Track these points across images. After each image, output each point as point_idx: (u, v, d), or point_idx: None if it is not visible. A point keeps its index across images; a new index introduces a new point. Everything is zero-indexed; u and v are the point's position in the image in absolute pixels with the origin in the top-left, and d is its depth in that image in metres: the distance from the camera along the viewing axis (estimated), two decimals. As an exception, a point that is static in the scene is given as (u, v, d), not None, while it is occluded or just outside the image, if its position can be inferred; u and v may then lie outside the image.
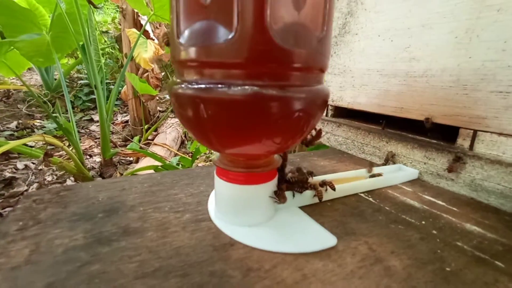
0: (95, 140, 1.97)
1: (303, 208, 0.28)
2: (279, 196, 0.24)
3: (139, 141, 1.84)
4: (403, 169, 0.39)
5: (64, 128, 1.35)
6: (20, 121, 2.16)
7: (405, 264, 0.20)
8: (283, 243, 0.21)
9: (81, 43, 1.24)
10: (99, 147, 1.76)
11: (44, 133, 1.98)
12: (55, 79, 2.48)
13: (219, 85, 0.17)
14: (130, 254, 0.19)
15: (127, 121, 2.30)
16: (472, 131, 0.35)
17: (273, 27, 0.15)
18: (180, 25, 0.17)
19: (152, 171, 0.99)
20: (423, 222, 0.26)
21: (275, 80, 0.17)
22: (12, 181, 1.35)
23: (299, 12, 0.16)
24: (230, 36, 0.15)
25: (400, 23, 0.42)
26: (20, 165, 1.53)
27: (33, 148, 1.52)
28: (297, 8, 0.15)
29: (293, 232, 0.23)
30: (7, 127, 2.09)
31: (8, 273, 0.17)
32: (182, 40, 0.17)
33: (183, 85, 0.18)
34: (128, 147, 1.71)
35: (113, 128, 2.18)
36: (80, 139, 1.95)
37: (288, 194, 0.26)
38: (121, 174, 1.38)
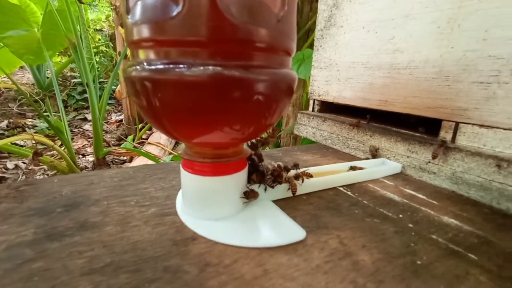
0: (89, 139, 1.95)
1: (277, 201, 0.27)
2: (248, 195, 0.23)
3: (133, 140, 1.82)
4: (387, 163, 0.38)
5: (55, 127, 1.33)
6: (10, 120, 2.12)
7: (375, 258, 0.19)
8: (248, 237, 0.20)
9: (72, 40, 1.22)
10: (92, 146, 1.73)
11: (36, 132, 1.94)
12: (48, 78, 2.44)
13: (172, 65, 0.16)
14: (81, 249, 0.18)
15: (121, 120, 2.28)
16: (454, 123, 0.34)
17: (223, 0, 0.14)
18: (128, 1, 0.15)
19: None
20: (401, 216, 0.25)
21: (234, 59, 0.16)
22: (2, 181, 1.32)
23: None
24: (176, 11, 0.14)
25: (384, 14, 0.41)
26: (10, 164, 1.50)
27: (24, 148, 1.49)
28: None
29: (260, 226, 0.21)
30: None
31: None
32: (130, 18, 0.15)
33: (137, 67, 0.17)
34: (122, 146, 1.69)
35: (107, 127, 2.15)
36: (73, 138, 1.92)
37: (260, 189, 0.25)
38: None
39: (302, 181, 0.28)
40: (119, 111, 2.49)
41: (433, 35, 0.35)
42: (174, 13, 0.14)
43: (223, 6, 0.14)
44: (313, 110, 0.58)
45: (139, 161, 1.34)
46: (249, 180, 0.24)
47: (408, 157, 0.37)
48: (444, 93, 0.35)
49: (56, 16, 1.16)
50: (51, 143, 1.27)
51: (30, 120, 2.15)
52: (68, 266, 0.16)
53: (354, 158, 0.43)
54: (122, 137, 2.04)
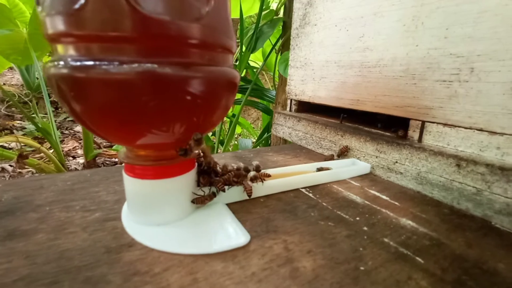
0: (79, 141, 1.91)
1: (233, 204, 0.26)
2: (197, 200, 0.22)
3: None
4: (356, 163, 0.38)
5: (42, 129, 1.30)
6: (-3, 122, 2.07)
7: (317, 265, 0.18)
8: (186, 244, 0.19)
9: None
10: (83, 148, 1.70)
11: (25, 134, 1.90)
12: (37, 79, 2.39)
13: (95, 62, 0.15)
14: (-1, 260, 0.16)
15: None
16: (420, 122, 0.33)
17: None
18: (37, -5, 0.14)
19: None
20: (358, 218, 0.25)
21: (169, 55, 0.15)
22: None
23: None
24: (79, 3, 0.13)
25: (354, 11, 0.40)
26: None
27: (12, 150, 1.46)
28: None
29: (203, 231, 0.21)
30: None
31: None
32: (40, 8, 0.14)
33: (57, 64, 0.15)
34: (113, 147, 1.66)
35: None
36: (63, 140, 1.88)
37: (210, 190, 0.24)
38: None
39: (262, 182, 0.27)
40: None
41: (399, 33, 0.35)
42: (77, 6, 0.13)
43: (130, -2, 0.13)
44: (290, 110, 0.57)
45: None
46: (198, 183, 0.23)
47: (376, 157, 0.36)
48: (411, 91, 0.34)
49: None
50: (37, 145, 1.23)
51: (18, 122, 2.11)
52: (-23, 280, 0.15)
53: (325, 158, 0.42)
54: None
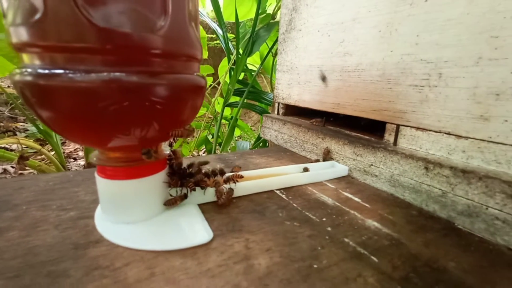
0: None
1: (206, 204, 0.27)
2: (168, 202, 0.23)
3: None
4: (335, 166, 0.39)
5: (43, 130, 1.32)
6: (1, 124, 2.11)
7: (273, 262, 0.19)
8: (149, 241, 0.20)
9: None
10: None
11: (27, 136, 1.93)
12: None
13: (56, 70, 0.16)
14: (-30, 254, 0.18)
15: None
16: (395, 125, 0.34)
17: (85, 6, 0.14)
18: (1, 2, 0.16)
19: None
20: (324, 219, 0.25)
21: (132, 64, 0.17)
22: None
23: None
24: (39, 15, 0.14)
25: (335, 17, 0.41)
26: None
27: (13, 152, 1.48)
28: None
29: (169, 229, 0.21)
30: None
31: None
32: (6, 19, 0.16)
33: (24, 70, 0.17)
34: None
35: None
36: (65, 142, 1.90)
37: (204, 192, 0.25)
38: None
39: (235, 183, 0.28)
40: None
41: (376, 38, 0.35)
42: (37, 17, 0.14)
43: (83, 9, 0.14)
44: (278, 113, 0.58)
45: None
46: (169, 184, 0.24)
47: (354, 160, 0.37)
48: (387, 95, 0.35)
49: None
50: (38, 147, 1.25)
51: (21, 124, 2.14)
52: None
53: (309, 161, 0.43)
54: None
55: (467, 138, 0.27)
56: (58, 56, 0.16)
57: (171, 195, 0.25)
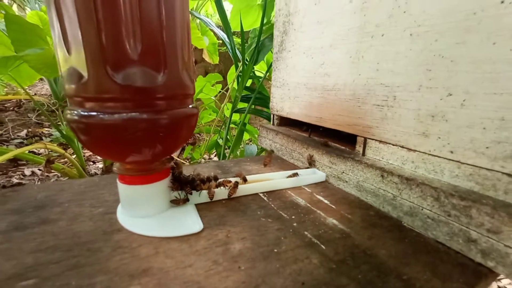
0: None
1: (202, 204, 0.34)
2: (174, 202, 0.31)
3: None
4: (316, 173, 0.45)
5: (66, 136, 1.45)
6: (29, 130, 2.28)
7: (244, 247, 0.26)
8: (157, 230, 0.27)
9: None
10: None
11: (51, 140, 2.09)
12: None
13: (92, 112, 0.23)
14: (35, 237, 0.26)
15: None
16: (363, 138, 0.40)
17: (113, 70, 0.21)
18: (60, 69, 0.23)
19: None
20: (293, 217, 0.32)
21: (143, 106, 0.24)
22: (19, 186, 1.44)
23: (136, 61, 0.22)
24: (85, 75, 0.22)
25: (317, 42, 0.48)
26: (27, 171, 1.63)
27: (40, 156, 1.63)
28: (131, 58, 0.22)
29: (171, 222, 0.29)
30: (18, 135, 2.20)
31: None
32: (62, 80, 0.24)
33: (69, 112, 0.24)
34: None
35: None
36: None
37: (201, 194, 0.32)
38: None
39: (225, 187, 0.35)
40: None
41: (348, 63, 0.41)
42: (84, 79, 0.22)
43: (114, 72, 0.21)
44: (273, 124, 0.65)
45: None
46: (172, 188, 0.32)
47: (330, 167, 0.43)
48: (357, 112, 0.41)
49: None
50: (62, 151, 1.38)
51: (47, 129, 2.32)
52: (23, 248, 0.24)
53: (296, 168, 0.50)
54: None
55: (414, 151, 0.33)
56: (93, 103, 0.24)
57: (175, 197, 0.32)
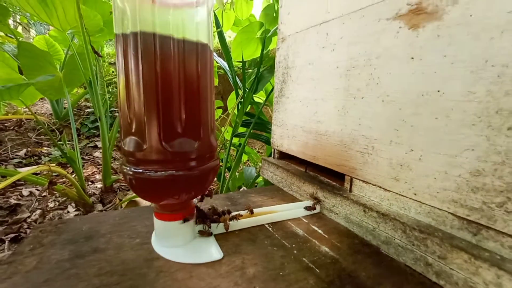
0: (98, 167, 2.10)
1: (218, 235, 0.41)
2: (203, 233, 0.39)
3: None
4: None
5: (69, 156, 1.49)
6: (28, 149, 2.32)
7: (257, 271, 0.33)
8: (187, 257, 0.35)
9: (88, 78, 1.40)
10: (101, 174, 1.88)
11: (50, 160, 2.13)
12: (64, 108, 2.67)
13: (145, 170, 0.32)
14: (94, 263, 0.33)
15: None
16: (350, 177, 0.49)
17: (165, 143, 0.30)
18: (122, 136, 0.32)
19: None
20: (293, 245, 0.40)
21: (180, 166, 0.32)
22: (17, 208, 1.46)
23: (181, 134, 0.31)
24: (145, 147, 0.30)
25: (310, 94, 0.58)
26: (25, 192, 1.66)
27: (39, 176, 1.66)
28: (178, 131, 0.31)
29: (197, 251, 0.36)
30: (16, 155, 2.23)
31: (23, 274, 0.31)
32: (123, 145, 0.32)
33: (126, 168, 0.33)
34: None
35: (115, 154, 2.33)
36: (83, 166, 2.09)
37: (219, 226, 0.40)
38: (120, 200, 1.49)
39: (237, 220, 0.43)
40: (127, 139, 2.63)
41: (336, 115, 0.51)
42: (143, 148, 0.30)
43: (165, 145, 0.30)
44: (273, 157, 0.73)
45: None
46: (196, 222, 0.40)
47: (323, 201, 0.51)
48: (344, 156, 0.50)
49: (77, 59, 1.35)
50: (64, 172, 1.43)
51: (46, 148, 2.35)
52: (88, 272, 0.31)
53: (295, 199, 0.58)
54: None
55: (389, 191, 0.41)
56: (146, 163, 0.32)
57: (202, 230, 0.40)
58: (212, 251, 0.36)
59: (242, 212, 0.45)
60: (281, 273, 0.33)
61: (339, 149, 0.51)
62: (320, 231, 0.45)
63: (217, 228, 0.41)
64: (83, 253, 0.35)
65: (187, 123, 0.31)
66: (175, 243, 0.37)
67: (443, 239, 0.32)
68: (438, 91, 0.34)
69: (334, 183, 0.54)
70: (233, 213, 0.44)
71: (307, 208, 0.50)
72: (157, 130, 0.30)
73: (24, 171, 1.20)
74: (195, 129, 0.32)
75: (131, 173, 0.32)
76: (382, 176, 0.42)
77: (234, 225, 0.43)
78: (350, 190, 0.49)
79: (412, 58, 0.37)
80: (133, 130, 0.31)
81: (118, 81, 0.32)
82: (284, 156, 0.72)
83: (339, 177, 0.56)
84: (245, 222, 0.44)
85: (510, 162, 0.28)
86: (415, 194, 0.38)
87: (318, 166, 0.65)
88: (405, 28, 0.38)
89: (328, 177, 0.57)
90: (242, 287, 0.30)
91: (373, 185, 0.44)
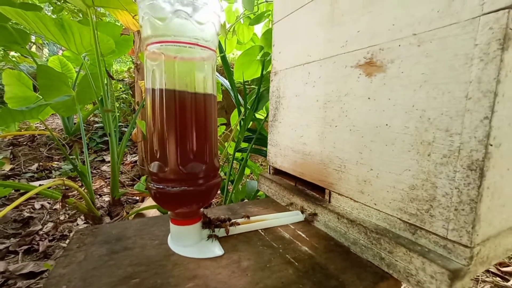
0: (106, 180, 2.21)
1: (222, 237, 0.51)
2: (211, 237, 0.49)
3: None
4: (298, 214, 0.63)
5: (80, 171, 1.58)
6: (40, 163, 2.44)
7: (250, 264, 0.43)
8: (196, 254, 0.45)
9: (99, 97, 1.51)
10: (109, 187, 1.98)
11: (60, 174, 2.24)
12: (74, 123, 2.81)
13: (165, 186, 0.43)
14: (126, 258, 0.43)
15: (135, 161, 2.54)
16: (329, 191, 0.59)
17: (181, 166, 0.41)
18: (148, 161, 0.43)
19: (154, 210, 1.22)
20: (280, 246, 0.50)
21: (191, 183, 0.43)
22: (29, 221, 1.55)
23: (193, 160, 0.42)
24: (167, 169, 0.41)
25: (297, 121, 0.69)
26: (37, 205, 1.76)
27: (50, 189, 1.77)
28: (191, 157, 0.42)
29: (204, 249, 0.46)
30: (29, 169, 2.34)
31: (77, 263, 0.41)
32: (150, 168, 0.43)
33: (151, 184, 0.44)
34: (135, 187, 1.94)
35: (123, 168, 2.44)
36: (92, 179, 2.20)
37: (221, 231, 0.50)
38: (127, 213, 1.59)
39: (235, 226, 0.53)
40: (134, 153, 2.76)
41: (317, 139, 0.62)
42: (165, 170, 0.41)
43: (182, 167, 0.41)
44: (269, 173, 0.84)
45: (150, 201, 1.57)
46: (203, 227, 0.50)
47: (307, 210, 0.61)
48: (324, 173, 0.60)
49: (90, 79, 1.48)
50: (76, 186, 1.53)
51: (56, 162, 2.48)
52: (123, 263, 0.42)
53: (286, 210, 0.68)
54: (136, 178, 2.29)
55: (357, 202, 0.52)
56: (166, 181, 0.43)
57: (209, 233, 0.50)
58: (215, 249, 0.47)
59: (239, 220, 0.56)
60: (268, 265, 0.43)
61: (320, 167, 0.62)
62: (303, 235, 0.54)
63: (219, 232, 0.52)
64: (116, 250, 0.45)
65: (197, 152, 0.43)
66: (187, 243, 0.47)
67: (391, 238, 0.42)
68: (387, 124, 0.45)
69: (318, 196, 0.64)
70: (233, 220, 0.54)
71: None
72: (175, 157, 0.41)
73: (40, 185, 1.30)
74: (203, 156, 0.44)
75: (154, 188, 0.43)
76: (352, 189, 0.53)
77: (233, 230, 0.53)
78: (329, 201, 0.59)
79: (369, 98, 0.48)
80: (157, 157, 0.42)
81: (146, 121, 0.43)
82: (278, 172, 0.83)
83: (321, 190, 0.66)
84: (242, 227, 0.54)
85: (431, 179, 0.38)
86: (375, 204, 0.48)
87: (305, 181, 0.76)
88: (363, 74, 0.49)
89: (313, 191, 0.67)
90: (237, 274, 0.40)
91: (345, 196, 0.54)
